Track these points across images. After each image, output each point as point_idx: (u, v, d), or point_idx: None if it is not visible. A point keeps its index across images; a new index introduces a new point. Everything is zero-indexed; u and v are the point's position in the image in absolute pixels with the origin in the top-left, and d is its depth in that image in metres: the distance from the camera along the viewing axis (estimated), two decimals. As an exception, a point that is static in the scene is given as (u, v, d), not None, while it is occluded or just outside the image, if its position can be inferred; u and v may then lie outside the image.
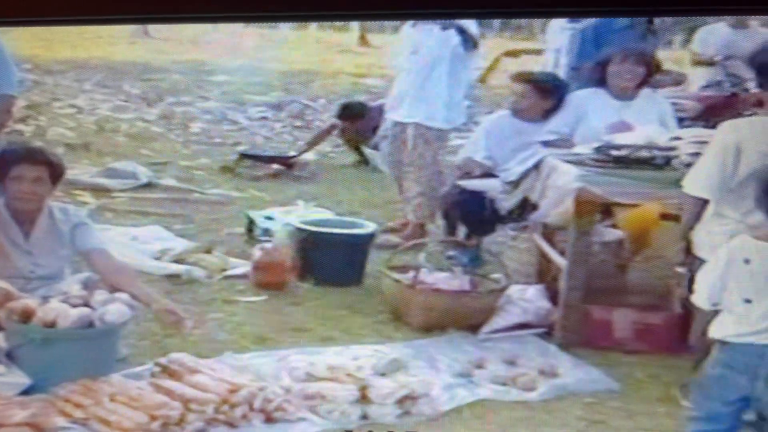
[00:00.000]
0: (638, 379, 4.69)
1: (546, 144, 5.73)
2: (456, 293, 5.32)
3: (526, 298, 5.29)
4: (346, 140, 9.34)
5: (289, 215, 6.63)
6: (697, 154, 4.93)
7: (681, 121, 6.12)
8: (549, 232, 5.54)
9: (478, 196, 5.96)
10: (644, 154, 5.08)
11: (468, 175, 6.26)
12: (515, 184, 5.62)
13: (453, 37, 6.50)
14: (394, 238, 6.51)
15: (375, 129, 8.05)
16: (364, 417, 4.22)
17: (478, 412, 4.36)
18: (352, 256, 5.96)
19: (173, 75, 13.02)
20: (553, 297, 5.25)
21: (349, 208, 7.46)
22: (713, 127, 5.80)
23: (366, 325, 5.26)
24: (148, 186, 8.06)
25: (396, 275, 5.44)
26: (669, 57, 9.61)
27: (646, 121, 5.60)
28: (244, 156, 9.09)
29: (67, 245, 4.75)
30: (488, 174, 6.11)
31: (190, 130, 10.57)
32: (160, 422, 3.89)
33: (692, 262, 4.35)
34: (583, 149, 5.33)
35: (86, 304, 4.30)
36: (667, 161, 5.07)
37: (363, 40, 15.71)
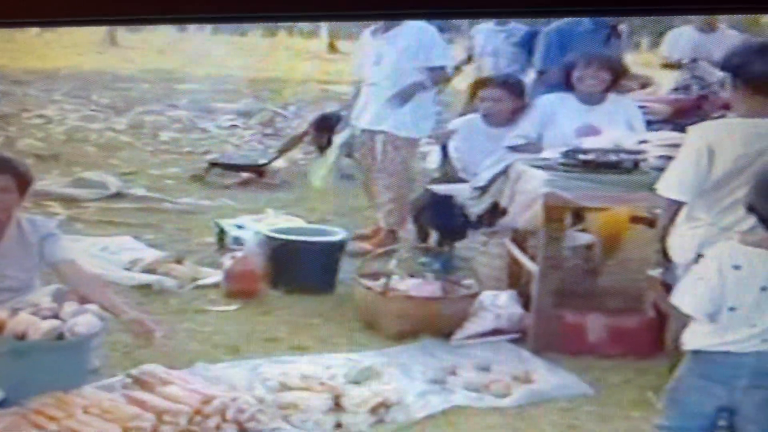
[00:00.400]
0: (613, 384, 4.68)
1: (513, 148, 5.74)
2: (428, 300, 5.32)
3: (499, 304, 5.27)
4: (318, 148, 9.32)
5: (259, 224, 6.62)
6: (664, 157, 4.96)
7: (650, 124, 6.14)
8: (520, 237, 5.54)
9: (447, 201, 5.96)
10: (612, 157, 5.10)
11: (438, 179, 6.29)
12: (484, 189, 5.61)
13: (419, 58, 6.53)
14: (365, 245, 6.50)
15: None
16: (338, 426, 4.21)
17: (452, 419, 4.35)
18: (324, 264, 5.94)
19: (142, 84, 13.00)
20: (525, 302, 5.24)
21: (320, 215, 7.45)
22: (682, 129, 5.83)
23: (339, 334, 5.24)
24: (118, 196, 8.04)
25: (367, 282, 5.43)
26: (637, 60, 9.68)
27: (614, 124, 5.63)
28: (214, 164, 9.07)
29: (35, 257, 4.70)
30: (458, 179, 6.12)
31: (159, 139, 10.55)
32: (133, 434, 3.87)
33: (668, 265, 4.36)
34: (551, 154, 5.34)
35: (56, 316, 4.26)
36: (635, 164, 5.09)
37: (332, 47, 15.72)
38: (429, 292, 5.38)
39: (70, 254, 4.81)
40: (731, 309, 3.32)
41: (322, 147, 9.10)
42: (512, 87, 6.32)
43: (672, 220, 4.15)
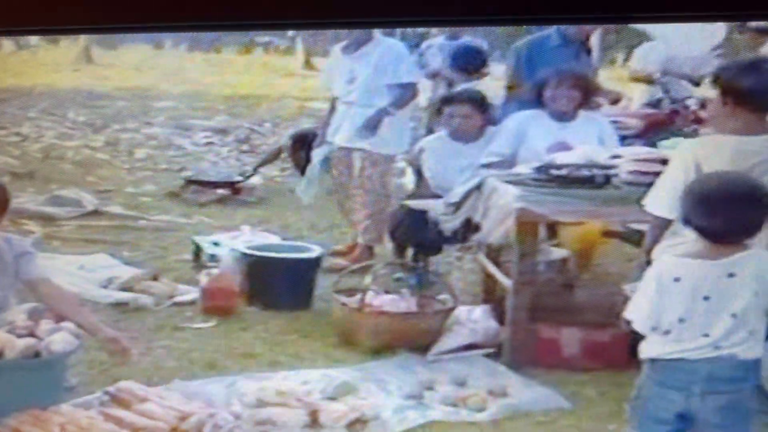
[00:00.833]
0: (589, 397, 4.70)
1: (488, 166, 5.77)
2: (403, 315, 5.35)
3: (474, 319, 5.29)
4: (294, 164, 9.34)
5: (235, 240, 6.62)
6: (636, 172, 5.01)
7: (623, 139, 6.18)
8: (493, 252, 5.56)
9: (422, 217, 5.98)
10: (584, 172, 5.13)
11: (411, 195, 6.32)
12: (458, 205, 5.63)
13: (389, 75, 6.57)
14: (341, 261, 6.51)
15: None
16: (315, 441, 4.23)
17: (429, 434, 4.37)
18: (300, 280, 5.95)
19: (118, 101, 12.96)
20: (500, 317, 5.25)
21: (296, 232, 7.46)
22: (653, 144, 5.90)
23: (315, 349, 5.25)
24: (94, 213, 8.01)
25: (343, 298, 5.45)
26: (612, 75, 9.74)
27: (586, 141, 5.65)
28: (190, 182, 9.06)
29: (11, 275, 4.70)
30: (433, 195, 6.15)
31: (135, 157, 10.53)
32: (110, 451, 3.88)
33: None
34: (524, 169, 5.37)
35: (32, 334, 4.26)
36: (607, 179, 5.12)
37: (308, 64, 15.73)
38: (404, 308, 5.41)
39: (45, 272, 4.80)
40: (681, 320, 3.36)
41: (299, 164, 9.12)
42: (477, 102, 6.35)
43: (659, 236, 4.17)
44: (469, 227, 5.61)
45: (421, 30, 9.59)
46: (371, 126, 6.57)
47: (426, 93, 7.42)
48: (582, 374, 4.92)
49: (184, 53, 14.04)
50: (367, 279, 5.57)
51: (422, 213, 5.99)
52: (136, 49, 14.76)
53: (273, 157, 9.58)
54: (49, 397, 4.20)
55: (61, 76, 14.01)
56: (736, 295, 3.35)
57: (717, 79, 4.25)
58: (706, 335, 3.35)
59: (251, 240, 6.62)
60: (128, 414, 4.11)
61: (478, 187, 5.51)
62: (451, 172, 6.07)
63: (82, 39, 14.82)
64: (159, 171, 9.97)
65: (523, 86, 6.34)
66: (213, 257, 6.46)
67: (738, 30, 7.40)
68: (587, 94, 6.01)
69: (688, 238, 3.97)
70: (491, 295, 5.55)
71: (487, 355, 5.17)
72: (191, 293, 5.94)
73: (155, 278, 6.14)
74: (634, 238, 5.48)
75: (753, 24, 6.97)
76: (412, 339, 5.19)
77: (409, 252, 6.32)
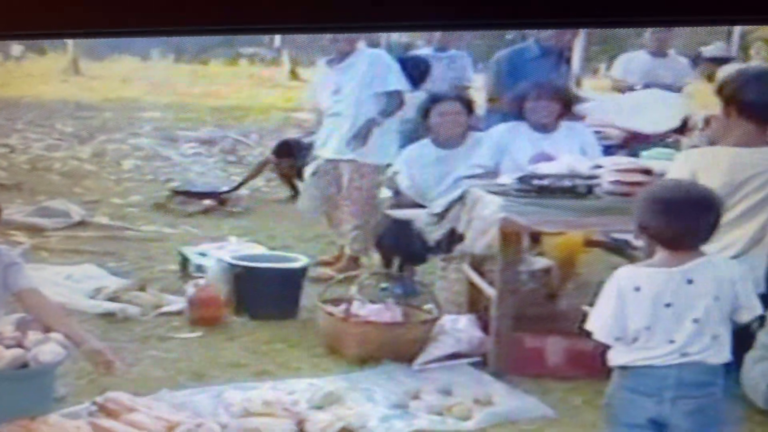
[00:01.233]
0: (574, 405, 4.72)
1: (471, 177, 5.79)
2: (389, 325, 5.37)
3: (459, 328, 5.31)
4: (280, 175, 9.37)
5: (222, 251, 6.65)
6: (618, 182, 5.05)
7: (607, 149, 6.23)
8: (477, 262, 5.57)
9: (407, 227, 6.01)
10: (566, 183, 5.14)
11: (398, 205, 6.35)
12: (441, 215, 5.65)
13: (375, 85, 6.62)
14: (327, 271, 6.54)
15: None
16: (302, 450, 4.25)
17: (414, 443, 4.40)
18: (286, 290, 5.99)
19: (105, 113, 12.98)
20: (485, 326, 5.27)
21: (282, 242, 7.49)
22: (636, 155, 5.95)
23: (302, 359, 5.27)
24: (81, 224, 8.03)
25: (329, 308, 5.47)
26: (595, 85, 9.80)
27: (568, 151, 5.67)
28: (176, 192, 9.08)
29: (-1, 286, 4.73)
30: (414, 205, 6.18)
31: (122, 168, 10.55)
32: (98, 461, 3.90)
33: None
34: (506, 179, 5.39)
35: (20, 345, 4.28)
36: (590, 189, 5.14)
37: (293, 75, 15.75)
38: (390, 318, 5.42)
39: (33, 283, 4.82)
40: (647, 328, 3.39)
41: (283, 173, 9.16)
42: (465, 100, 6.44)
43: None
44: (453, 237, 5.63)
45: (406, 41, 9.64)
46: (361, 136, 6.60)
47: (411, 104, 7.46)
48: (567, 382, 4.93)
49: (171, 65, 14.03)
50: (353, 289, 5.59)
51: (407, 223, 6.02)
52: (123, 60, 14.76)
53: (259, 169, 9.61)
54: (37, 407, 4.21)
55: (49, 88, 14.00)
56: (697, 300, 3.38)
57: (721, 90, 4.30)
58: (672, 341, 3.38)
59: (238, 250, 6.65)
60: (116, 424, 4.12)
61: (461, 197, 5.54)
62: (432, 180, 6.12)
63: (70, 50, 14.83)
64: (146, 182, 9.99)
65: (504, 98, 6.38)
66: (200, 268, 6.48)
67: (692, 63, 7.52)
68: (567, 105, 6.06)
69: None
70: (476, 304, 5.54)
71: (473, 364, 5.19)
72: (178, 303, 5.96)
73: (142, 288, 6.17)
74: (617, 247, 5.54)
75: (707, 54, 7.12)
76: (397, 348, 5.21)
77: (396, 262, 6.34)
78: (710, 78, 6.94)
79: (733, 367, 3.77)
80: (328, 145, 6.79)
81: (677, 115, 5.84)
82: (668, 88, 7.16)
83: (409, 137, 6.77)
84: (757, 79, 4.27)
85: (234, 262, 6.07)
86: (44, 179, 9.69)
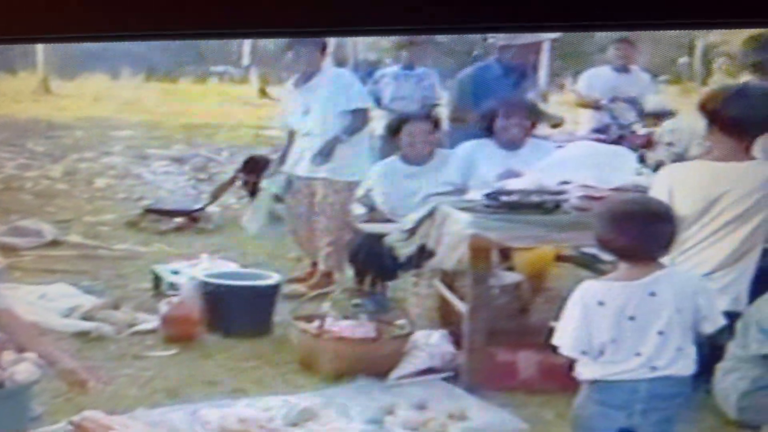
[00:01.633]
0: (546, 419, 4.76)
1: (440, 195, 5.83)
2: (362, 341, 5.39)
3: (432, 343, 5.34)
4: (249, 192, 9.37)
5: (194, 268, 6.67)
6: (585, 197, 5.11)
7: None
8: (448, 278, 5.62)
9: (378, 242, 6.05)
10: (534, 198, 5.19)
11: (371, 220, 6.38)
12: (412, 231, 5.69)
13: (340, 103, 6.68)
14: (300, 288, 6.57)
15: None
16: (277, 466, 4.28)
17: (390, 458, 4.44)
18: (259, 307, 6.01)
19: (76, 131, 12.94)
20: (457, 341, 5.30)
21: (254, 259, 7.50)
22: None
23: (276, 376, 5.30)
24: (54, 243, 8.03)
25: (302, 325, 5.50)
26: (560, 100, 9.86)
27: (535, 167, 5.74)
28: (148, 210, 9.08)
29: (-26, 306, 4.72)
30: (386, 220, 6.22)
31: (94, 186, 10.53)
32: (75, 480, 3.90)
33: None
34: (475, 196, 5.44)
35: (-5, 365, 4.30)
36: (557, 205, 5.19)
37: (263, 92, 15.72)
38: (363, 333, 5.45)
39: (6, 302, 4.82)
40: (612, 341, 3.45)
41: (252, 190, 9.17)
42: (434, 120, 6.57)
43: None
44: (424, 253, 5.65)
45: (373, 58, 9.68)
46: (324, 153, 6.66)
47: (381, 121, 7.51)
48: (539, 396, 4.96)
49: (142, 83, 14.00)
50: (326, 305, 5.62)
51: (379, 238, 6.05)
52: (94, 79, 14.70)
53: (227, 185, 9.61)
54: (13, 426, 4.22)
55: (21, 107, 13.94)
56: (659, 312, 3.44)
57: (703, 107, 4.37)
58: (638, 354, 3.44)
59: (210, 268, 6.66)
60: (93, 443, 4.14)
61: (431, 213, 5.56)
62: (402, 195, 6.17)
63: (41, 69, 14.77)
64: (118, 200, 9.98)
65: (470, 117, 6.43)
66: (172, 285, 6.50)
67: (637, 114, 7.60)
68: (534, 122, 6.13)
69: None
70: (448, 319, 5.57)
71: (446, 379, 5.23)
72: (151, 321, 5.98)
73: (116, 307, 6.18)
74: (586, 261, 5.60)
75: (650, 108, 7.22)
76: (371, 364, 5.24)
77: (368, 278, 6.37)
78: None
79: (704, 378, 3.84)
80: (301, 164, 6.85)
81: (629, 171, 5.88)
82: (634, 103, 7.24)
83: (381, 153, 6.83)
84: (739, 95, 4.35)
85: (207, 279, 6.10)
86: (16, 199, 9.66)
